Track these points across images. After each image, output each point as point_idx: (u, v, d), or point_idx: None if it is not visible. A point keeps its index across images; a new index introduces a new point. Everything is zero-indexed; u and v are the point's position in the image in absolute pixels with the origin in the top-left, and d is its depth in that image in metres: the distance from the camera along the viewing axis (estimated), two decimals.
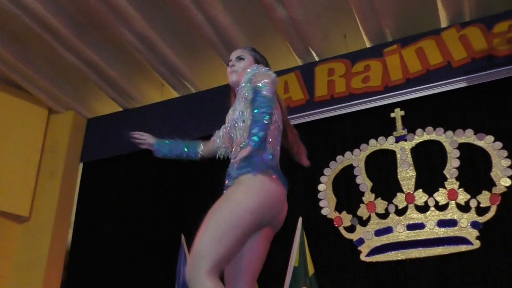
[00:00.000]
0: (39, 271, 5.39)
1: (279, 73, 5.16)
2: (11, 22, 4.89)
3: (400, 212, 4.30)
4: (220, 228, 1.86)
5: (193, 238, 4.91)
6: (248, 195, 1.95)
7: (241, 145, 2.07)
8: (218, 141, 2.47)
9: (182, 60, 5.45)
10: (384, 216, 4.34)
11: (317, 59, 5.23)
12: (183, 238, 4.92)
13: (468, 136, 4.31)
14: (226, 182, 2.11)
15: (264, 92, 2.06)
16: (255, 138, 1.96)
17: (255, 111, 2.02)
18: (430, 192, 4.26)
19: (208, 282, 1.76)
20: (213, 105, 5.47)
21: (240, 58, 2.38)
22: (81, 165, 6.13)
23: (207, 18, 4.78)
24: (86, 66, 5.52)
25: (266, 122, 2.00)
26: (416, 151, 4.47)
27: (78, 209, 5.88)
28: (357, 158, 4.63)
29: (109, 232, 5.53)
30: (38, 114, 6.06)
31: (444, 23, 4.85)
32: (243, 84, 2.25)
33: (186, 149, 2.52)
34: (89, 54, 5.36)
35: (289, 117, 4.90)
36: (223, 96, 5.44)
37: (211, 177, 5.32)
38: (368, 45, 5.10)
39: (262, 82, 2.09)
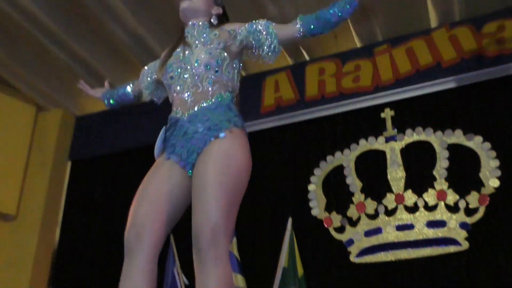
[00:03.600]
0: (26, 270, 5.33)
1: (269, 72, 5.20)
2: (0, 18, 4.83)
3: (390, 212, 4.31)
4: (232, 197, 1.81)
5: (183, 238, 4.83)
6: (246, 155, 1.93)
7: (212, 99, 1.99)
8: (143, 85, 2.35)
9: None
10: (373, 216, 4.34)
11: (307, 58, 5.22)
12: (172, 238, 4.89)
13: (457, 137, 4.32)
14: (204, 126, 1.94)
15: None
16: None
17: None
18: (419, 192, 4.27)
19: (228, 264, 1.75)
20: None
21: None
22: (69, 163, 6.08)
23: None
24: (75, 62, 5.47)
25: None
26: (406, 151, 4.47)
27: (66, 207, 5.83)
28: (347, 158, 4.62)
29: (97, 231, 5.48)
30: (26, 111, 6.00)
31: (434, 23, 4.86)
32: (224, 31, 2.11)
33: (122, 96, 2.50)
34: (78, 51, 5.31)
35: (279, 116, 4.97)
36: None
37: None
38: (358, 45, 5.10)
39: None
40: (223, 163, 1.82)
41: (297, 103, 4.97)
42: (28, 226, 5.54)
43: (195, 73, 2.01)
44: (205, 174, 1.80)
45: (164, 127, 2.08)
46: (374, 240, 4.26)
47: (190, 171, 1.92)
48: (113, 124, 5.90)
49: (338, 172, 4.63)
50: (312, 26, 2.09)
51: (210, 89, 2.00)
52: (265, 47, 2.06)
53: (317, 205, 4.54)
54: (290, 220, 4.42)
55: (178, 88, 2.04)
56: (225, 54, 2.06)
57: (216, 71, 2.02)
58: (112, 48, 5.40)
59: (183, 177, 1.94)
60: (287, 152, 4.94)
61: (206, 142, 1.89)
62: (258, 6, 4.63)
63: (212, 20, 2.18)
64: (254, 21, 2.12)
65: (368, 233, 4.29)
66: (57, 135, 6.01)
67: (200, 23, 2.16)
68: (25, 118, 5.97)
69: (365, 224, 4.34)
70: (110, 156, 5.79)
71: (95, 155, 5.88)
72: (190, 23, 2.17)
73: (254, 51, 2.11)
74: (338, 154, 4.67)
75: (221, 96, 2.01)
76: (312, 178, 4.64)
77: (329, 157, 4.68)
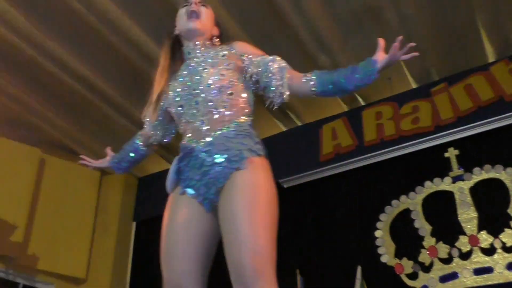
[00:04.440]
0: None
1: (326, 120, 5.18)
2: (62, 89, 5.10)
3: (465, 256, 4.09)
4: (269, 226, 1.65)
5: None
6: (271, 185, 1.78)
7: (229, 126, 1.85)
8: (152, 128, 2.14)
9: None
10: (447, 261, 4.13)
11: (363, 103, 5.20)
12: None
13: None
14: (224, 157, 1.79)
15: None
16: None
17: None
18: (495, 233, 4.04)
19: None
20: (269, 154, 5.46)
21: (203, 5, 2.09)
22: (134, 224, 6.19)
23: None
24: (135, 127, 5.63)
25: None
26: (475, 190, 4.28)
27: (133, 268, 5.89)
28: (413, 201, 4.47)
29: None
30: (91, 176, 6.20)
31: (491, 58, 4.75)
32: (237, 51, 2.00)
33: (133, 155, 2.33)
34: (138, 115, 5.46)
35: (339, 163, 4.91)
36: (274, 148, 5.45)
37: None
38: (414, 86, 5.04)
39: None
40: (250, 194, 1.67)
41: (356, 149, 4.91)
42: None
43: (208, 98, 1.86)
44: (234, 207, 1.65)
45: (176, 157, 1.94)
46: (451, 286, 4.04)
47: (209, 207, 1.80)
48: None
49: (405, 216, 4.48)
50: (326, 90, 1.93)
51: (226, 113, 1.85)
52: (272, 93, 1.92)
53: (386, 252, 4.38)
54: (359, 269, 4.27)
55: (190, 116, 1.89)
56: (237, 74, 1.94)
57: (231, 94, 1.88)
58: None
59: (204, 213, 1.81)
60: (350, 199, 4.85)
61: (227, 175, 1.75)
62: (309, 55, 4.68)
63: (212, 41, 2.08)
64: (270, 58, 1.98)
65: (443, 279, 4.08)
66: (121, 197, 6.16)
67: (203, 42, 2.05)
68: (91, 182, 6.17)
69: (439, 269, 4.13)
70: None
71: (158, 215, 5.94)
72: (191, 42, 2.05)
73: (259, 88, 1.97)
74: (403, 197, 4.53)
75: (238, 122, 1.86)
76: (378, 224, 4.51)
77: (394, 201, 4.55)
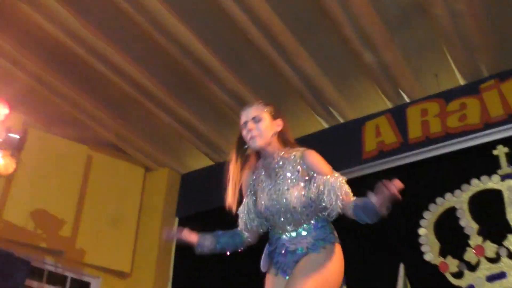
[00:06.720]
0: None
1: (369, 117, 5.14)
2: (109, 88, 5.24)
3: None
4: None
5: None
6: (337, 266, 2.16)
7: (310, 224, 2.23)
8: (248, 231, 2.49)
9: None
10: (495, 260, 4.03)
11: (408, 100, 5.13)
12: None
13: None
14: (303, 247, 2.21)
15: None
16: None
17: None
18: None
19: None
20: None
21: (257, 120, 2.29)
22: (177, 220, 6.28)
23: (295, 68, 4.87)
24: (179, 124, 5.75)
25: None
26: None
27: (176, 263, 5.98)
28: (459, 199, 4.39)
29: (207, 286, 5.55)
30: (136, 172, 6.36)
31: None
32: (294, 162, 2.27)
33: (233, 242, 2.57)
34: (182, 113, 5.59)
35: (383, 160, 4.85)
36: (316, 145, 5.45)
37: None
38: (462, 82, 4.94)
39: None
40: (309, 269, 2.08)
41: (400, 146, 4.85)
42: (142, 282, 5.74)
43: (295, 216, 2.22)
44: (293, 278, 2.08)
45: (268, 243, 2.35)
46: (498, 286, 3.94)
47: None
48: (215, 179, 6.02)
49: (450, 214, 4.40)
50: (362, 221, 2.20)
51: (310, 220, 2.22)
52: (324, 208, 2.19)
53: (430, 250, 4.32)
54: (402, 266, 4.23)
55: (277, 221, 2.27)
56: (313, 188, 2.20)
57: (311, 206, 2.21)
58: (213, 108, 5.63)
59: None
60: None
61: (304, 256, 2.17)
62: (354, 53, 4.67)
63: (282, 141, 2.33)
64: (330, 184, 2.17)
65: (491, 278, 3.98)
66: (165, 193, 6.27)
67: (281, 153, 2.31)
68: (135, 179, 6.33)
69: (486, 268, 4.04)
70: (215, 211, 5.90)
71: (200, 211, 6.03)
72: (269, 157, 2.31)
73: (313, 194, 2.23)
74: (448, 195, 4.45)
75: (318, 218, 2.23)
76: (422, 222, 4.45)
77: (439, 199, 4.47)
